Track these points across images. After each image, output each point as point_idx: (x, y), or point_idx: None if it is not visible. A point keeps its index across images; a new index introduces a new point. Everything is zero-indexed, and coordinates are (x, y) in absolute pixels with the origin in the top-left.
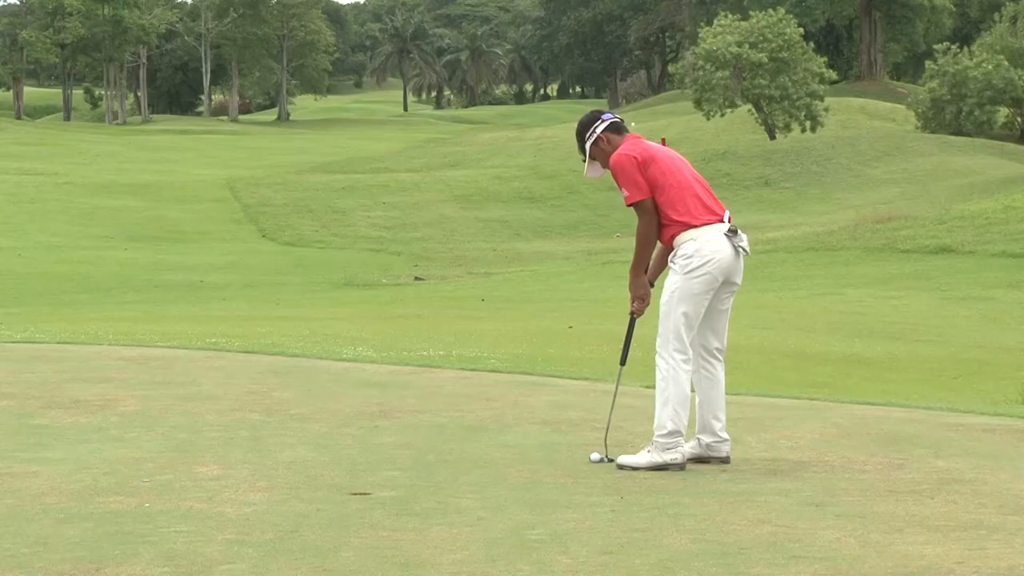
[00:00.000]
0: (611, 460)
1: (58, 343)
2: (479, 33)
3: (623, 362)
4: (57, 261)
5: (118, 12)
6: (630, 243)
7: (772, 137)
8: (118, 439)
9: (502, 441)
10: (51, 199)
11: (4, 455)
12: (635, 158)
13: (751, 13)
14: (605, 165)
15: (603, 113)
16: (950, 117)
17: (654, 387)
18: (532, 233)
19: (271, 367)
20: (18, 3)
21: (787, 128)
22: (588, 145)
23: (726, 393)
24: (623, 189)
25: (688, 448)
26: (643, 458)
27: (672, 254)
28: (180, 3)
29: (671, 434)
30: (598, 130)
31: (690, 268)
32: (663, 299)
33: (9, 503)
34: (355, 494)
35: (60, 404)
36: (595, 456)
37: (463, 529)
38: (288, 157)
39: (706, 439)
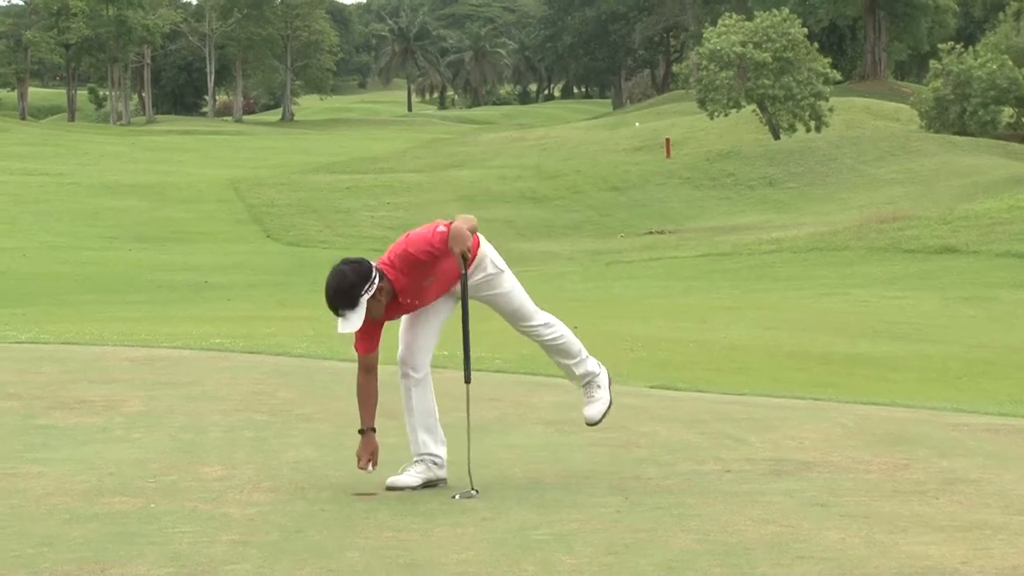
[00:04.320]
0: (476, 492)
1: (63, 343)
2: (483, 33)
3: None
4: (61, 262)
5: (122, 12)
6: (634, 243)
7: (776, 137)
8: (123, 439)
9: (506, 441)
10: (55, 199)
11: (9, 456)
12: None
13: (755, 13)
14: (378, 311)
15: (362, 265)
16: (954, 117)
17: (655, 387)
18: (536, 233)
19: (276, 367)
20: (22, 3)
21: (791, 128)
22: (366, 299)
23: (731, 393)
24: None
25: None
26: (604, 400)
27: (474, 269)
28: (184, 3)
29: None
30: (376, 282)
31: (497, 261)
32: (504, 288)
33: (15, 503)
34: (360, 495)
35: (65, 404)
36: (458, 495)
37: (468, 529)
38: (292, 157)
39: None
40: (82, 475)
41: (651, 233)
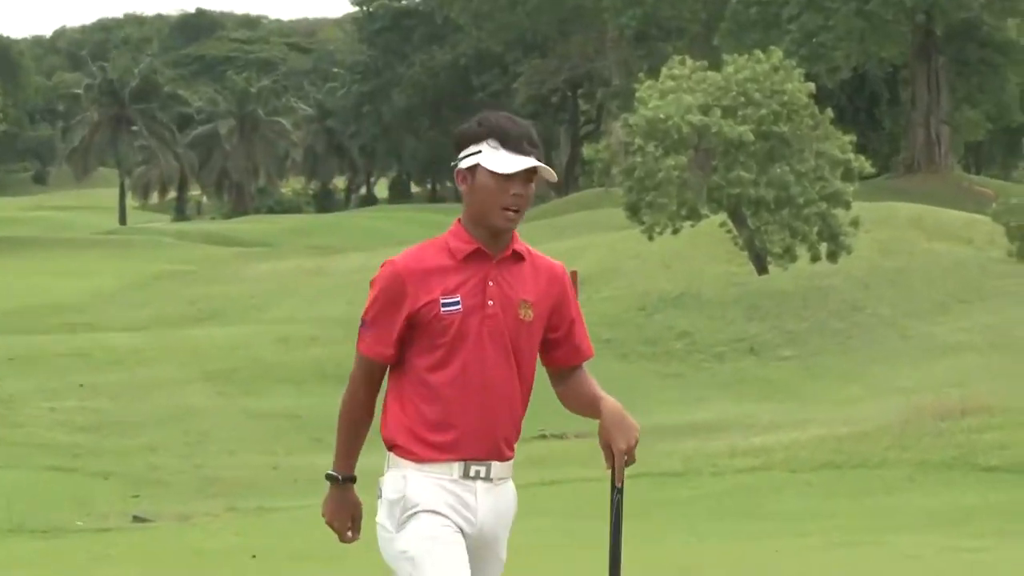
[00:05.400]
0: None
1: None
2: (254, 90)
3: None
4: None
5: None
6: (517, 452)
7: (763, 271)
8: None
9: None
10: None
11: None
12: None
13: (725, 58)
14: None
15: None
16: None
17: None
18: None
19: None
20: None
21: (788, 255)
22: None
23: None
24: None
25: None
26: None
27: None
28: None
29: None
30: None
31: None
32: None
33: None
34: None
35: None
36: None
37: None
38: None
39: None
40: None
41: (543, 437)
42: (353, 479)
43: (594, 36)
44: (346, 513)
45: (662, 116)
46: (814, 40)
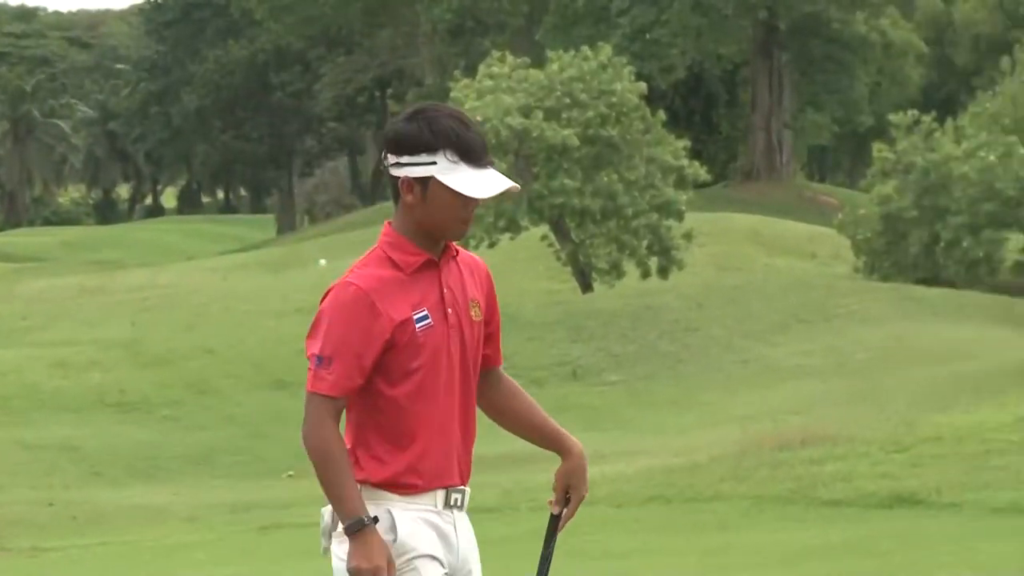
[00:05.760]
0: None
1: None
2: (28, 89)
3: None
4: None
5: None
6: (312, 488)
7: (587, 288)
8: None
9: None
10: None
11: None
12: None
13: (549, 54)
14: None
15: None
16: (918, 250)
17: None
18: (126, 472)
19: None
20: None
21: (615, 271)
22: None
23: None
24: None
25: None
26: None
27: None
28: None
29: None
30: None
31: None
32: None
33: None
34: None
35: None
36: None
37: None
38: None
39: None
40: None
41: None
42: (376, 519)
43: (405, 30)
44: (383, 554)
45: (479, 118)
46: (646, 36)
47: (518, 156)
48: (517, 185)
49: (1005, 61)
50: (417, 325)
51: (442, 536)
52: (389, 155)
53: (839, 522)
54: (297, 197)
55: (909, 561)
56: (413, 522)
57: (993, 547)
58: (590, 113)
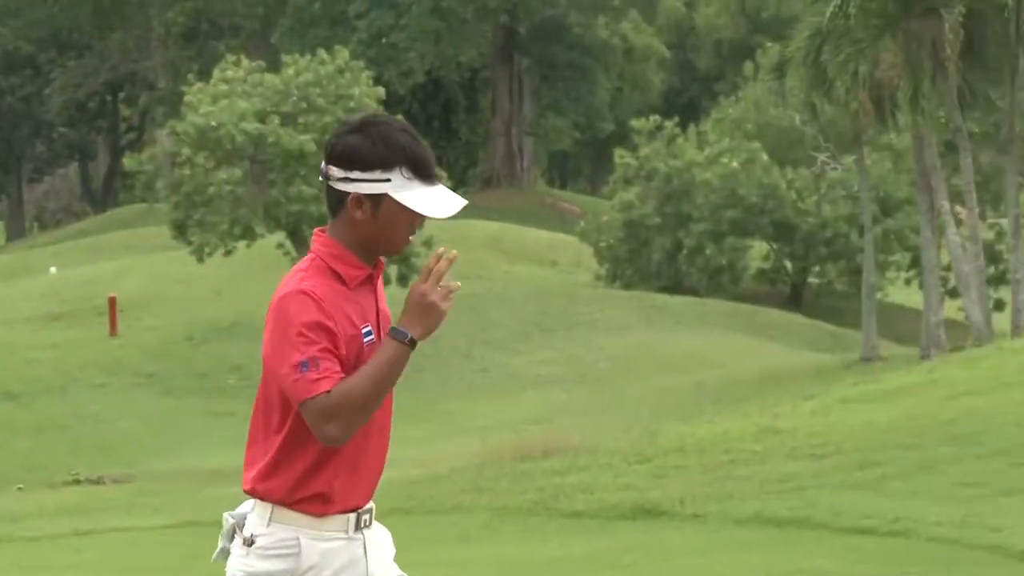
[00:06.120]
0: None
1: None
2: None
3: None
4: None
5: None
6: (45, 502)
7: None
8: None
9: None
10: None
11: None
12: None
13: (284, 59)
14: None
15: None
16: (660, 257)
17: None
18: None
19: None
20: None
21: None
22: None
23: None
24: None
25: None
26: None
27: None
28: None
29: None
30: None
31: None
32: None
33: None
34: None
35: None
36: None
37: None
38: None
39: None
40: None
41: (77, 483)
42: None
43: (137, 33)
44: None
45: (213, 124)
46: (384, 40)
47: (253, 162)
48: (464, 201)
49: (748, 66)
50: (364, 340)
51: (352, 563)
52: (335, 169)
53: (581, 534)
54: (27, 203)
55: (652, 573)
56: (320, 555)
57: (736, 558)
58: (327, 118)
